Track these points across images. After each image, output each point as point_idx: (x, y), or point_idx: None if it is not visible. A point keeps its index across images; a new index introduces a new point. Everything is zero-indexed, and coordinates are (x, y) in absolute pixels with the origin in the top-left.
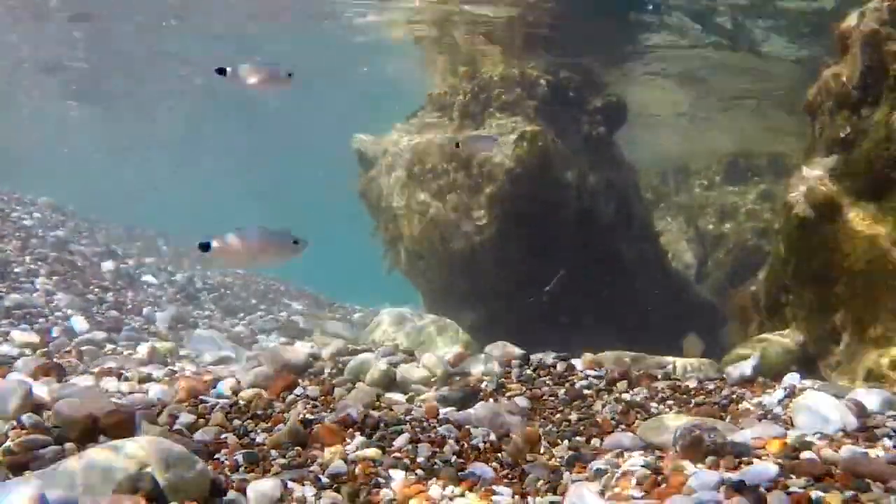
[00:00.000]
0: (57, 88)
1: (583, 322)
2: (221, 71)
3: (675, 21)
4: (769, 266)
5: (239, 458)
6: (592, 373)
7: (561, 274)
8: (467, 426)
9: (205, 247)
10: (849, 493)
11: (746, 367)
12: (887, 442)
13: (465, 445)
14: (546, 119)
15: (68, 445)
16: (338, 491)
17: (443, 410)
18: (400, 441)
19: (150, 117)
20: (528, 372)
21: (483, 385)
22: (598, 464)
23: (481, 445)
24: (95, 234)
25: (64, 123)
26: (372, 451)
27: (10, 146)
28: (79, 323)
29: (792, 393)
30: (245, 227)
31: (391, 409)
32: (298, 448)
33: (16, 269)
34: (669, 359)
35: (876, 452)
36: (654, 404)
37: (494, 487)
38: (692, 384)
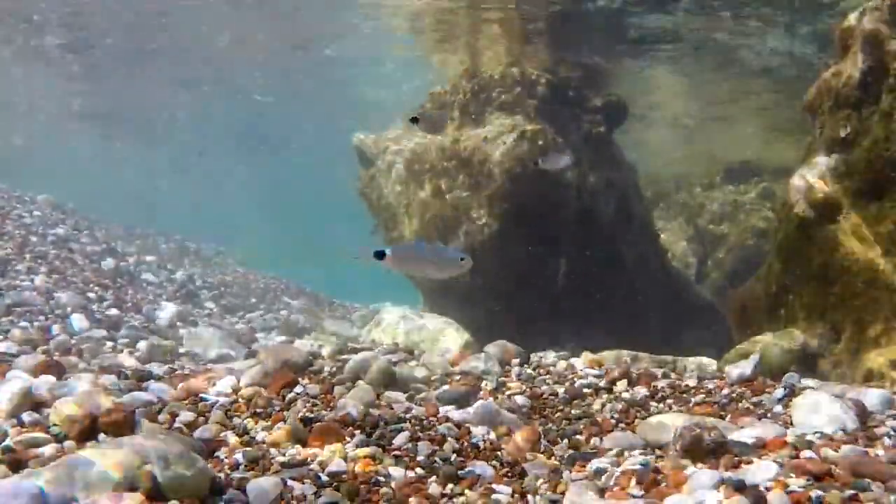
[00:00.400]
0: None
1: (583, 321)
2: (380, 255)
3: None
4: (769, 265)
5: (239, 456)
6: (592, 372)
7: (563, 270)
8: (467, 425)
9: (379, 255)
10: (848, 493)
11: (746, 367)
12: (887, 441)
13: (465, 444)
14: (546, 118)
15: (68, 444)
16: (337, 489)
17: (442, 409)
18: (400, 439)
19: (151, 120)
20: (528, 371)
21: (483, 384)
22: (597, 463)
23: (481, 444)
24: (95, 232)
25: (64, 123)
26: (372, 450)
27: (9, 145)
28: (78, 321)
29: (792, 392)
30: (416, 241)
31: (391, 408)
32: (298, 446)
33: (16, 267)
34: (669, 358)
35: (876, 452)
36: (653, 403)
37: (494, 486)
38: (692, 383)
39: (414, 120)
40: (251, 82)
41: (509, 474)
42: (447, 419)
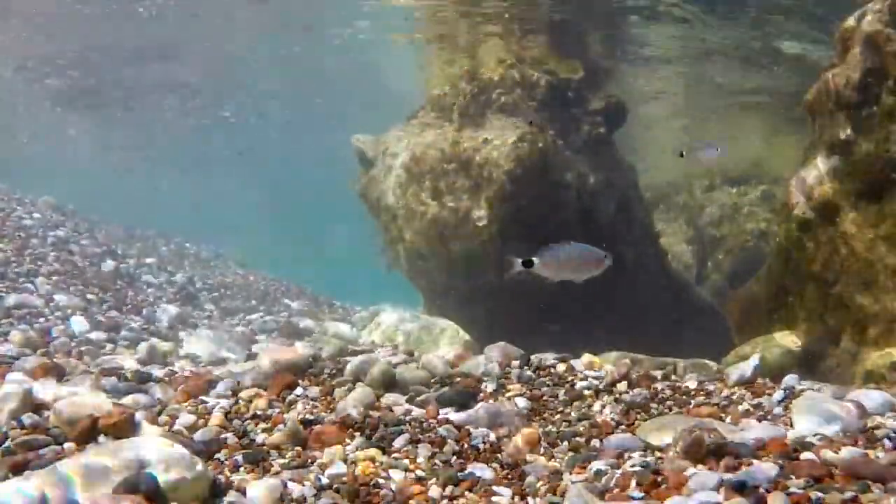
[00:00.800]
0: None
1: (583, 322)
2: (528, 263)
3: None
4: (769, 267)
5: (239, 458)
6: (592, 374)
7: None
8: (467, 427)
9: (528, 263)
10: (848, 494)
11: (746, 368)
12: (887, 443)
13: (465, 446)
14: (546, 120)
15: (67, 445)
16: (337, 491)
17: (442, 411)
18: (400, 441)
19: (150, 126)
20: (528, 373)
21: (483, 386)
22: (598, 464)
23: (481, 446)
24: (95, 234)
25: (63, 129)
26: (372, 452)
27: (9, 146)
28: (78, 323)
29: (791, 394)
30: (561, 244)
31: (391, 410)
32: (298, 448)
33: (16, 269)
34: (669, 360)
35: (875, 454)
36: (654, 405)
37: (494, 488)
38: (692, 385)
39: (531, 124)
40: (252, 83)
41: (509, 476)
42: (447, 421)
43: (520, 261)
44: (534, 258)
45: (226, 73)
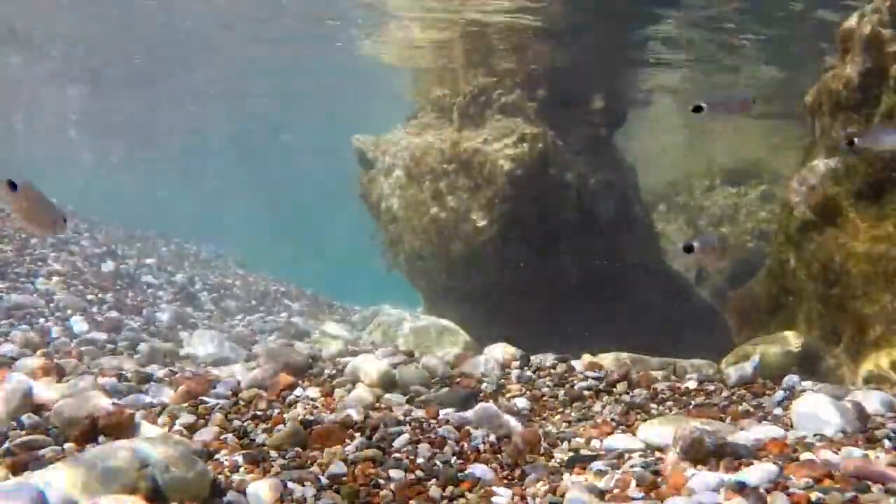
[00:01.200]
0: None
1: (583, 323)
2: (698, 108)
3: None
4: (769, 267)
5: (239, 458)
6: (592, 374)
7: (565, 271)
8: (467, 427)
9: (688, 249)
10: (848, 495)
11: (746, 369)
12: (887, 443)
13: (465, 446)
14: (546, 120)
15: (67, 446)
16: (338, 492)
17: (443, 411)
18: (400, 442)
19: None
20: (528, 373)
21: (483, 386)
22: (598, 465)
23: (481, 446)
24: (95, 234)
25: (64, 126)
26: (372, 452)
27: (9, 147)
28: (78, 323)
29: (792, 394)
30: (705, 235)
31: (391, 410)
32: (298, 449)
33: (16, 270)
34: (669, 360)
35: (875, 454)
36: (653, 405)
37: (494, 488)
38: (692, 385)
39: (697, 109)
40: (253, 87)
41: (509, 477)
42: (447, 421)
43: (682, 245)
44: (694, 243)
45: (225, 74)
